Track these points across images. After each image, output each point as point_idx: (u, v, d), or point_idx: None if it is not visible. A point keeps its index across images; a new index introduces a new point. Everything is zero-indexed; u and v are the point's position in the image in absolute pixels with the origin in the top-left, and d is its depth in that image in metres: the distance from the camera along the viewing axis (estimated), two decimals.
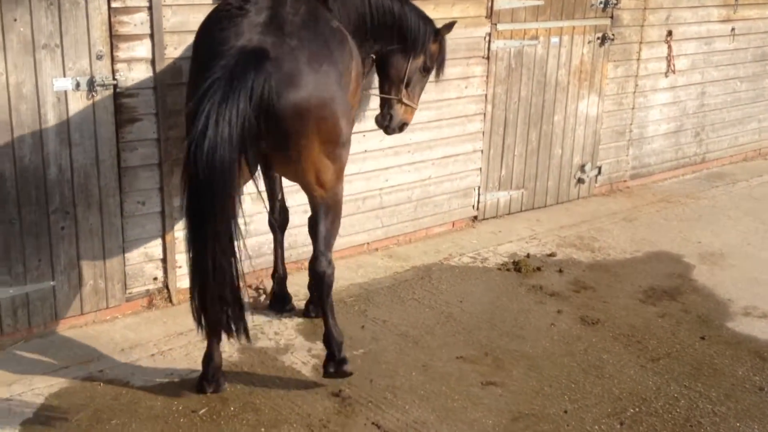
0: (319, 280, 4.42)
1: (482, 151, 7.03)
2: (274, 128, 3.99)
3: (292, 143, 4.08)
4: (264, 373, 4.64)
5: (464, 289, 5.91)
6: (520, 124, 7.25)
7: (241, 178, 4.03)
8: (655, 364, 4.98)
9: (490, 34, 6.74)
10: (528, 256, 6.55)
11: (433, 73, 5.55)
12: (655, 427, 4.34)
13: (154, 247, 5.24)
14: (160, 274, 5.30)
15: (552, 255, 6.61)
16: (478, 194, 7.14)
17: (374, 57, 5.32)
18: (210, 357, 4.41)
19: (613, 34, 7.67)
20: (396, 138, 6.34)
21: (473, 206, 7.15)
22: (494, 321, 5.44)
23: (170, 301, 5.37)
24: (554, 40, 7.23)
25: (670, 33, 8.26)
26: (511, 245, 6.79)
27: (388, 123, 5.50)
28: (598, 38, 7.59)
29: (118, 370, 4.58)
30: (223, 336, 4.30)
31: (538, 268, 6.29)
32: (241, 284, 3.99)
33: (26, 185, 4.61)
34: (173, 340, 4.93)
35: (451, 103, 6.64)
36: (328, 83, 4.12)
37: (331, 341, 4.54)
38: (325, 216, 4.39)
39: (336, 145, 4.23)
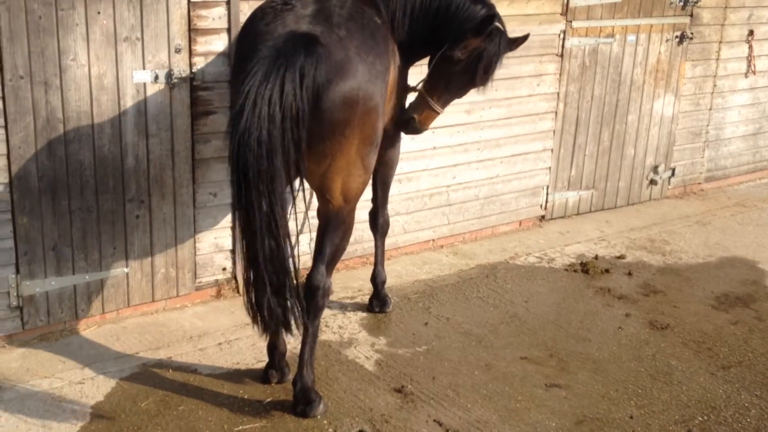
0: (311, 295, 4.08)
1: (552, 149, 6.95)
2: (318, 117, 3.80)
3: (334, 134, 3.85)
4: (327, 365, 4.68)
5: (530, 289, 5.86)
6: (593, 124, 7.14)
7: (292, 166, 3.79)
8: (725, 372, 4.86)
9: (564, 32, 6.65)
10: (596, 257, 6.45)
11: (472, 75, 4.61)
12: None
13: (224, 238, 5.33)
14: (229, 264, 5.40)
15: (621, 257, 6.50)
16: (547, 193, 7.06)
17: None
18: (274, 345, 4.45)
19: (691, 33, 7.48)
20: (466, 135, 6.33)
21: (541, 205, 7.07)
22: (560, 322, 5.37)
23: (238, 291, 5.46)
24: (631, 38, 7.10)
25: (751, 32, 8.02)
26: (579, 246, 6.70)
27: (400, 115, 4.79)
28: (677, 37, 7.42)
29: (186, 358, 4.68)
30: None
31: (607, 270, 6.20)
32: (295, 272, 3.83)
33: (104, 174, 4.74)
34: (240, 330, 5.02)
35: (522, 100, 6.58)
36: (375, 75, 3.97)
37: (297, 381, 4.18)
38: (335, 230, 4.10)
39: (372, 145, 4.04)
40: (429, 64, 4.77)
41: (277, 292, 3.80)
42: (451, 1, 4.50)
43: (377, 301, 5.38)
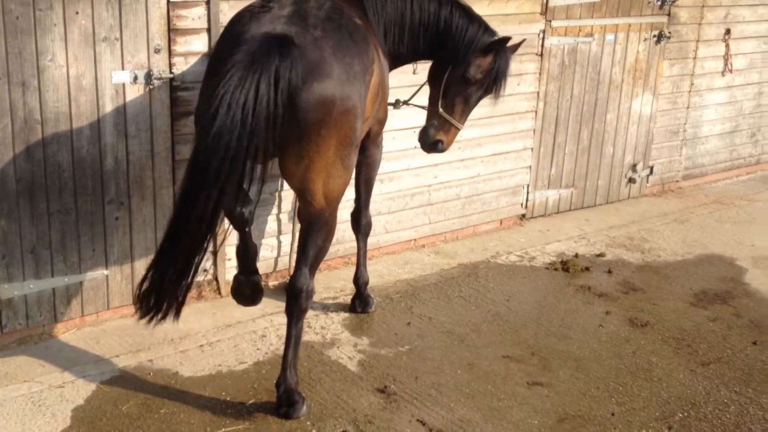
0: (295, 298, 4.08)
1: (532, 149, 6.98)
2: (294, 118, 3.79)
3: (310, 136, 3.84)
4: (310, 367, 4.67)
5: (511, 288, 5.88)
6: (572, 122, 7.18)
7: (257, 167, 3.82)
8: (705, 368, 4.91)
9: (544, 31, 6.68)
10: (576, 255, 6.49)
11: (487, 89, 4.97)
12: None
13: None
14: (209, 265, 5.37)
15: (601, 255, 6.54)
16: (527, 192, 7.09)
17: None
18: (245, 248, 4.48)
19: (669, 32, 7.54)
20: None
21: (522, 204, 7.10)
22: (541, 321, 5.40)
23: (219, 292, 5.44)
24: (609, 37, 7.14)
25: (728, 31, 8.10)
26: (560, 244, 6.74)
27: (419, 137, 5.07)
28: (654, 36, 7.48)
29: (167, 360, 4.65)
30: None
31: (587, 268, 6.23)
32: (190, 279, 3.86)
33: (83, 176, 4.70)
34: (222, 332, 5.00)
35: (502, 100, 6.46)
36: (353, 75, 3.96)
37: (281, 383, 4.17)
38: (318, 232, 4.07)
39: (350, 146, 4.01)
40: (434, 85, 4.94)
41: (172, 284, 3.81)
42: (450, 22, 4.75)
43: (359, 302, 5.37)
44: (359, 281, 5.36)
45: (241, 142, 3.62)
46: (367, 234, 5.34)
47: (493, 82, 4.90)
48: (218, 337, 4.94)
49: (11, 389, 4.30)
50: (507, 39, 4.84)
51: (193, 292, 5.36)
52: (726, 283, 6.16)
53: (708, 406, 4.52)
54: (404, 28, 4.75)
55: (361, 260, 5.35)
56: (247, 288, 4.60)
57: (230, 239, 5.16)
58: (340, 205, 5.51)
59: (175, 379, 4.48)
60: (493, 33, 4.87)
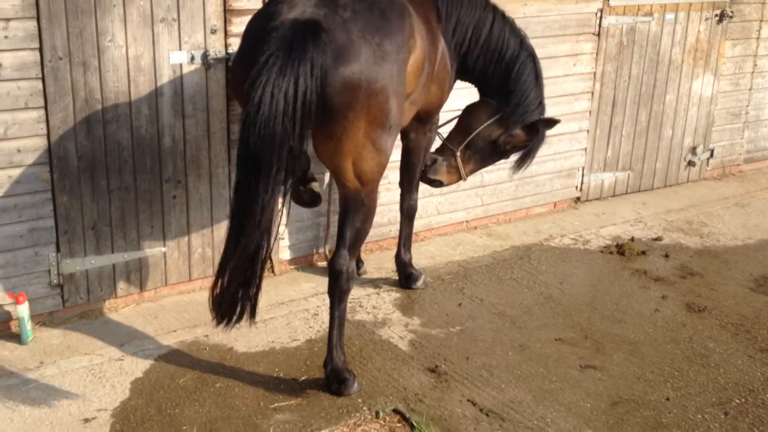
0: (335, 279, 4.10)
1: (588, 130, 6.88)
2: (322, 102, 3.79)
3: (336, 118, 3.84)
4: (361, 345, 4.71)
5: (564, 271, 5.82)
6: (630, 104, 7.06)
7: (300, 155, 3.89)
8: (764, 354, 4.80)
9: (601, 10, 6.56)
10: (632, 239, 6.39)
11: (504, 154, 4.99)
12: (762, 418, 4.19)
13: None
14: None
15: (658, 239, 6.43)
16: (582, 175, 7.00)
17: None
18: (301, 171, 4.66)
19: (731, 11, 7.34)
20: None
21: (576, 187, 7.02)
22: (595, 304, 5.34)
23: (272, 271, 5.50)
24: (669, 16, 6.98)
25: None
26: (615, 228, 6.64)
27: (428, 163, 4.95)
28: (716, 15, 7.29)
29: (222, 336, 4.73)
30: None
31: (643, 252, 6.14)
32: (264, 269, 3.91)
33: (142, 154, 4.80)
34: (275, 310, 5.06)
35: (557, 80, 6.51)
36: (381, 56, 3.89)
37: (328, 363, 4.22)
38: (355, 213, 4.06)
39: (383, 128, 3.95)
40: (465, 125, 4.93)
41: (247, 282, 3.87)
42: (521, 74, 4.79)
43: (403, 277, 5.41)
44: (397, 261, 5.39)
45: (286, 128, 3.65)
46: (410, 217, 5.32)
47: (519, 160, 4.97)
48: (272, 314, 5.00)
49: (73, 361, 4.43)
50: (556, 122, 4.87)
51: None
52: None
53: (766, 392, 4.42)
54: (473, 39, 4.76)
55: (402, 241, 5.34)
56: (306, 195, 4.78)
57: (282, 218, 5.22)
58: (386, 186, 5.56)
59: (230, 354, 4.57)
60: (543, 110, 4.87)
